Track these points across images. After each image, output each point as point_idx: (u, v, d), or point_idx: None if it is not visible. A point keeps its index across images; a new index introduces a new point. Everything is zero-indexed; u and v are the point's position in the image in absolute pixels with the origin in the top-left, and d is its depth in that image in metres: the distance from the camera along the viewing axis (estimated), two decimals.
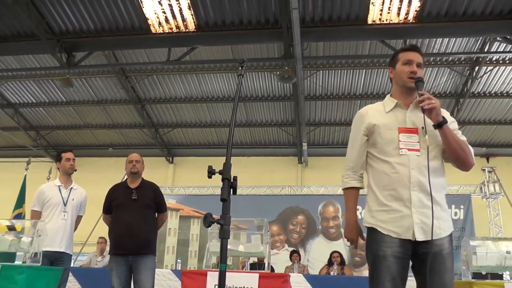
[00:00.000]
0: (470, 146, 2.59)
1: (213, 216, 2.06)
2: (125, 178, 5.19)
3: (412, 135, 2.58)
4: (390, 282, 2.45)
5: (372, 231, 2.60)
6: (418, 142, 2.57)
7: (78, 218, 5.29)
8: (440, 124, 2.49)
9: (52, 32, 9.53)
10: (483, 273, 4.56)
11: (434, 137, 2.57)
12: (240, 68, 2.51)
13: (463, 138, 2.61)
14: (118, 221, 4.77)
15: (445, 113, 2.66)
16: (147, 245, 4.71)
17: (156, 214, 5.02)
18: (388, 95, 2.80)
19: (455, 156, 2.56)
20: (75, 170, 5.38)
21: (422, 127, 2.57)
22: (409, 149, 2.56)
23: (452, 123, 2.64)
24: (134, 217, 4.70)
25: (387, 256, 2.48)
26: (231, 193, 2.08)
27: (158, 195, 5.03)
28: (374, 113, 2.73)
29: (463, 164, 2.59)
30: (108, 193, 5.07)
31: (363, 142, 2.73)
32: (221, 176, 2.08)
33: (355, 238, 2.71)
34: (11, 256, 5.46)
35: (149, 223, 4.86)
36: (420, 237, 2.45)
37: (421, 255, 2.47)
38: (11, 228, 4.56)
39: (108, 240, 9.81)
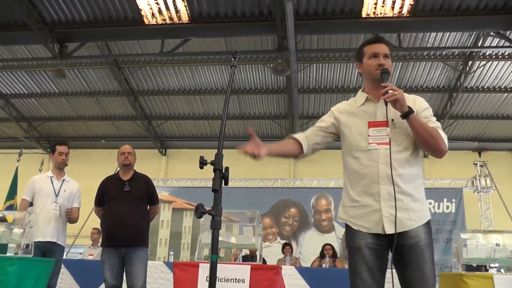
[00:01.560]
0: (442, 133, 2.55)
1: (205, 207, 2.06)
2: (117, 170, 5.18)
3: (382, 129, 2.57)
4: (367, 272, 2.48)
5: (347, 225, 2.64)
6: (387, 135, 2.54)
7: (75, 210, 5.27)
8: (406, 114, 2.46)
9: (44, 22, 9.45)
10: (474, 265, 4.61)
11: (404, 128, 2.54)
12: (233, 60, 2.50)
13: (436, 124, 2.58)
14: (111, 213, 4.77)
15: (418, 100, 2.69)
16: (139, 237, 4.72)
17: (148, 206, 5.02)
18: (360, 90, 2.80)
19: (425, 144, 2.53)
20: (67, 165, 5.35)
21: (392, 119, 2.56)
22: (378, 143, 2.56)
23: (425, 110, 2.63)
24: (126, 209, 4.70)
25: (362, 247, 2.51)
26: (223, 184, 2.08)
27: (150, 187, 5.04)
28: (346, 109, 2.75)
29: (435, 151, 2.55)
30: (100, 185, 5.06)
31: (323, 128, 2.77)
32: (212, 167, 2.08)
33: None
34: (2, 248, 5.44)
35: (142, 215, 4.86)
36: (390, 230, 2.45)
37: (398, 247, 2.47)
38: (2, 220, 4.55)
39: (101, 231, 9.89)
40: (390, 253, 2.54)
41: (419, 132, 2.49)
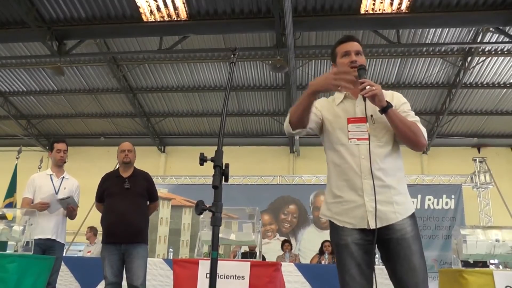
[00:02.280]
0: (421, 126, 2.57)
1: (205, 204, 2.06)
2: (117, 167, 5.18)
3: (361, 124, 2.58)
4: (356, 268, 2.48)
5: (331, 222, 2.65)
6: (367, 130, 2.56)
7: (74, 208, 5.27)
8: (384, 109, 2.46)
9: (42, 20, 9.43)
10: (471, 261, 4.61)
11: (383, 123, 2.56)
12: (232, 56, 2.49)
13: (415, 118, 2.60)
14: (111, 210, 4.77)
15: (396, 95, 2.71)
16: (139, 234, 4.73)
17: (148, 203, 5.03)
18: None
19: (405, 138, 2.53)
20: (65, 162, 5.35)
21: (371, 115, 2.58)
22: (358, 139, 2.57)
23: (403, 105, 2.66)
24: (126, 206, 4.70)
25: (349, 244, 2.50)
26: (223, 180, 2.08)
27: (150, 184, 5.05)
28: (326, 106, 2.75)
29: (414, 145, 2.55)
30: (101, 181, 5.07)
31: (314, 111, 2.67)
32: (212, 163, 2.08)
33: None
34: (2, 245, 5.46)
35: (142, 212, 4.87)
36: (374, 224, 2.45)
37: (385, 242, 2.49)
38: (2, 217, 4.55)
39: (97, 229, 9.94)
40: (375, 247, 2.54)
41: (398, 126, 2.50)
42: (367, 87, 2.45)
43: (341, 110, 2.68)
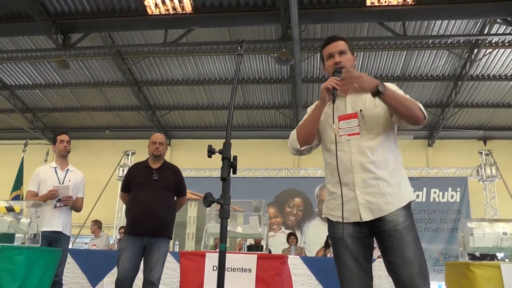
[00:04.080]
0: (417, 102, 2.55)
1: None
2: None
3: (352, 120, 2.63)
4: (352, 260, 2.50)
5: (328, 219, 2.68)
6: (358, 125, 2.60)
7: (79, 200, 5.28)
8: (377, 92, 2.43)
9: (47, 13, 9.44)
10: (477, 254, 4.60)
11: (373, 116, 2.60)
12: (239, 48, 2.49)
13: (406, 96, 2.58)
14: (137, 200, 4.64)
15: (393, 85, 2.67)
16: (164, 227, 4.61)
17: (175, 197, 4.95)
18: None
19: (403, 117, 2.52)
20: (69, 152, 5.36)
21: (361, 110, 2.62)
22: (349, 134, 2.61)
23: (397, 91, 2.60)
24: (153, 197, 4.58)
25: (344, 237, 2.52)
26: (231, 172, 2.08)
27: (179, 178, 4.95)
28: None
29: (413, 121, 2.53)
30: (128, 171, 5.03)
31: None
32: (220, 156, 2.08)
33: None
34: (10, 237, 5.48)
35: (168, 205, 4.75)
36: (366, 217, 2.48)
37: (378, 234, 2.50)
38: (9, 209, 4.56)
39: (101, 222, 10.01)
40: (372, 240, 2.57)
41: (395, 107, 2.49)
42: (345, 82, 2.48)
43: (331, 109, 2.68)
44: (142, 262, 4.59)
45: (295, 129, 2.79)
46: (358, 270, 2.49)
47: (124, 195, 4.93)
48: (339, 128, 2.64)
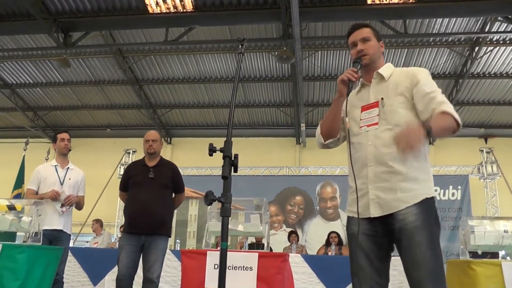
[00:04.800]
0: (449, 108, 2.37)
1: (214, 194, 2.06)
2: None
3: (372, 110, 2.55)
4: (364, 258, 2.43)
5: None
6: (377, 115, 2.51)
7: (80, 198, 5.29)
8: (432, 139, 2.40)
9: (48, 12, 9.44)
10: (479, 252, 4.59)
11: (394, 105, 2.49)
12: (240, 47, 2.49)
13: (440, 99, 2.41)
14: (134, 199, 4.67)
15: (410, 73, 2.54)
16: (162, 225, 4.62)
17: (174, 194, 4.96)
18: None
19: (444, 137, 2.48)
20: (70, 150, 5.37)
21: (382, 98, 2.53)
22: (368, 125, 2.54)
23: (422, 87, 2.46)
24: (150, 195, 4.60)
25: (356, 233, 2.45)
26: (232, 171, 2.08)
27: (176, 175, 4.95)
28: (349, 99, 2.66)
29: (453, 135, 2.42)
30: (126, 170, 5.04)
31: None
32: (222, 154, 2.08)
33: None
34: (11, 236, 5.48)
35: (166, 203, 4.77)
36: (375, 212, 2.41)
37: (390, 232, 2.41)
38: (11, 208, 4.57)
39: (102, 221, 10.01)
40: (390, 241, 2.47)
41: (442, 137, 2.48)
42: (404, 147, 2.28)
43: (357, 100, 2.67)
44: (141, 260, 4.61)
45: (320, 123, 2.76)
46: (370, 269, 2.42)
47: (123, 194, 4.96)
48: (360, 119, 2.57)
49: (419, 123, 2.44)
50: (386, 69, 2.64)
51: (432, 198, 2.43)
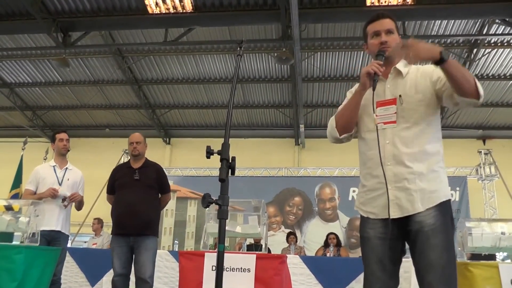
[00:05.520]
0: (472, 76, 2.30)
1: (211, 196, 2.07)
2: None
3: (390, 107, 2.45)
4: (377, 263, 2.38)
5: (360, 215, 2.55)
6: (395, 113, 2.43)
7: (81, 198, 5.28)
8: (440, 60, 2.20)
9: (47, 11, 9.44)
10: (482, 254, 4.59)
11: (413, 103, 2.41)
12: (238, 49, 2.48)
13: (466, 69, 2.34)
14: (120, 201, 4.74)
15: (424, 68, 2.50)
16: (149, 226, 4.68)
17: (160, 195, 5.01)
18: None
19: (464, 91, 2.27)
20: (69, 150, 5.37)
21: (400, 95, 2.44)
22: (385, 123, 2.44)
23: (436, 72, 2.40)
24: (136, 197, 4.67)
25: (371, 237, 2.41)
26: (230, 173, 2.08)
27: (161, 175, 4.99)
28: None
29: (469, 94, 2.29)
30: (112, 173, 5.08)
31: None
32: (219, 156, 2.08)
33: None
34: (8, 236, 5.48)
35: (152, 203, 4.81)
36: (394, 214, 2.33)
37: (406, 234, 2.36)
38: (8, 208, 4.56)
39: (103, 221, 9.99)
40: (404, 243, 2.43)
41: (457, 80, 2.25)
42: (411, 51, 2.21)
43: (371, 93, 2.52)
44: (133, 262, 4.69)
45: (333, 116, 2.62)
46: (382, 273, 2.37)
47: (110, 197, 5.04)
48: (376, 116, 2.44)
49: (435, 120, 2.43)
50: (404, 65, 2.54)
51: (449, 200, 2.40)
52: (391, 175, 2.36)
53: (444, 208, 2.35)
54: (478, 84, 2.29)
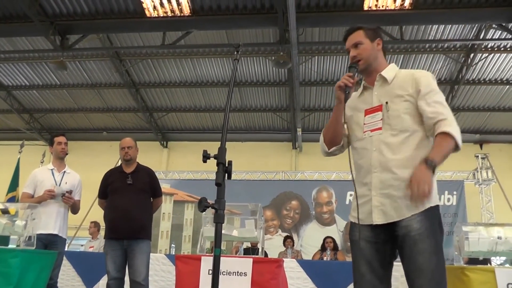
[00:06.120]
0: (452, 128, 2.34)
1: (208, 200, 2.07)
2: (119, 162, 5.19)
3: (376, 114, 2.50)
4: (366, 266, 2.41)
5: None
6: (381, 119, 2.46)
7: (76, 202, 5.27)
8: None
9: (45, 14, 9.44)
10: (480, 258, 4.60)
11: (399, 110, 2.44)
12: (235, 53, 2.49)
13: (441, 110, 2.38)
14: (113, 205, 4.77)
15: (421, 80, 2.47)
16: (142, 230, 4.71)
17: (152, 198, 5.03)
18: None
19: None
20: (67, 154, 5.36)
21: (386, 102, 2.48)
22: (372, 130, 2.49)
23: (429, 94, 2.43)
24: (129, 201, 4.69)
25: (358, 240, 2.45)
26: (226, 177, 2.09)
27: (153, 179, 5.03)
28: (349, 103, 2.65)
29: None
30: (104, 177, 5.07)
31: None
32: (216, 160, 2.08)
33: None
34: (4, 240, 5.46)
35: (145, 207, 4.85)
36: (378, 220, 2.37)
37: (394, 239, 2.38)
38: (4, 211, 4.55)
39: (100, 224, 9.96)
40: (393, 247, 2.44)
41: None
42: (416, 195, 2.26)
43: (360, 102, 2.62)
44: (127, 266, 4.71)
45: (322, 132, 2.72)
46: (371, 276, 2.40)
47: (102, 202, 5.05)
48: (364, 124, 2.52)
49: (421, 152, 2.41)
50: (390, 71, 2.60)
51: (437, 206, 2.40)
52: (377, 182, 2.41)
53: (431, 213, 2.35)
54: (459, 141, 2.36)
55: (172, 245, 9.60)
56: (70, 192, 5.07)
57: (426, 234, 2.29)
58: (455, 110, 12.18)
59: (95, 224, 9.94)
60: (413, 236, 2.29)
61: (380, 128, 2.46)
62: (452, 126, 2.35)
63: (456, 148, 2.38)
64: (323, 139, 2.70)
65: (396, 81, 2.54)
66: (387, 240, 2.41)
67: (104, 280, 6.80)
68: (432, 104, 2.41)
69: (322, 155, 2.79)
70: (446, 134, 2.34)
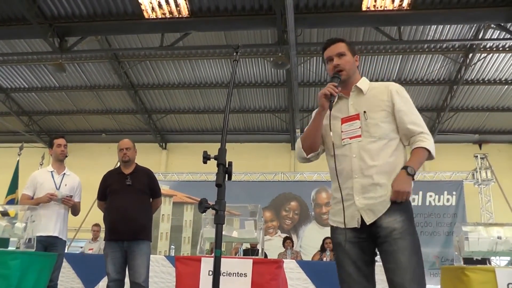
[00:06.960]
0: (427, 142, 2.53)
1: (208, 201, 2.06)
2: (118, 164, 5.17)
3: (354, 122, 2.60)
4: (351, 266, 2.50)
5: (331, 224, 2.69)
6: (359, 127, 2.57)
7: (76, 204, 5.27)
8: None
9: (43, 17, 9.44)
10: (479, 258, 4.60)
11: (377, 118, 2.57)
12: (234, 54, 2.50)
13: (416, 123, 2.58)
14: (113, 206, 4.75)
15: (391, 91, 2.63)
16: (142, 231, 4.70)
17: (151, 199, 5.02)
18: None
19: None
20: (66, 156, 5.35)
21: (364, 111, 2.59)
22: (350, 138, 2.59)
23: (404, 107, 2.60)
24: (128, 202, 4.68)
25: (342, 242, 2.53)
26: (226, 178, 2.09)
27: (152, 180, 5.03)
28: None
29: None
30: (103, 179, 5.06)
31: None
32: (215, 161, 2.08)
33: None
34: (4, 242, 5.44)
35: (144, 208, 4.84)
36: (368, 219, 2.46)
37: (376, 239, 2.47)
38: (4, 214, 4.54)
39: (100, 226, 9.92)
40: (374, 245, 2.53)
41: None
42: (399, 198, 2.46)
43: (337, 111, 2.68)
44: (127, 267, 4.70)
45: (299, 138, 2.79)
46: (358, 275, 2.49)
47: (101, 203, 5.04)
48: (342, 132, 2.62)
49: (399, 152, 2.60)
50: (364, 83, 2.72)
51: (410, 202, 2.54)
52: (359, 186, 2.51)
53: (408, 213, 2.48)
54: (432, 151, 2.55)
55: (172, 246, 9.57)
56: (70, 197, 5.07)
57: (407, 233, 2.41)
58: (454, 110, 12.21)
59: (97, 227, 9.95)
60: (395, 235, 2.40)
61: (359, 136, 2.56)
62: (428, 140, 2.55)
63: (430, 157, 2.57)
64: (301, 145, 2.76)
65: (372, 92, 2.67)
66: (369, 238, 2.50)
67: (104, 282, 6.81)
68: (409, 115, 2.59)
69: (299, 162, 2.86)
70: (424, 148, 2.53)
